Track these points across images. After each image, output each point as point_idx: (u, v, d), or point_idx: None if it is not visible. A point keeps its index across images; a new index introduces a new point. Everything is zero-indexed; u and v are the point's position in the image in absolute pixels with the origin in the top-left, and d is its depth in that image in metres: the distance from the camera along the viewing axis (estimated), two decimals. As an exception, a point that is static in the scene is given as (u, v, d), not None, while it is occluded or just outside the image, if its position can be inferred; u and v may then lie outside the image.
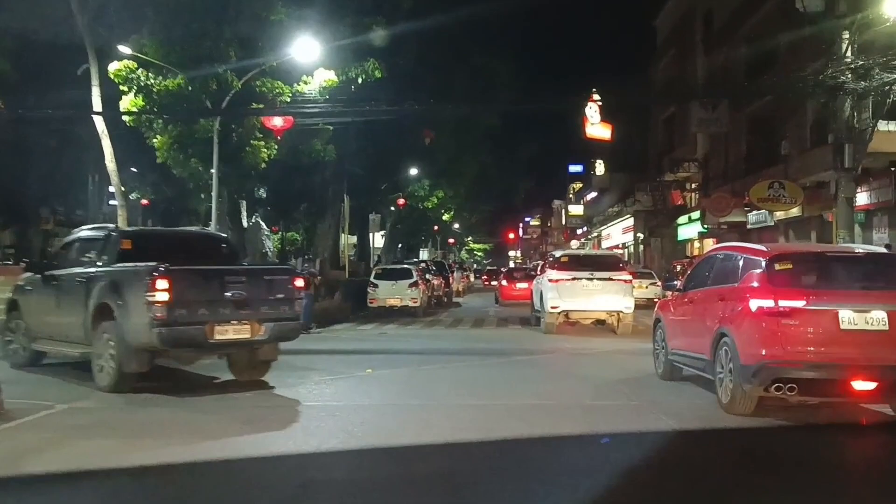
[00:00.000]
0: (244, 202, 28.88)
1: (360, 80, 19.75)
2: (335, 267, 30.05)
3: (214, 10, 18.21)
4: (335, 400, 8.66)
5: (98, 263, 9.29)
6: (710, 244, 31.45)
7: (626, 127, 43.81)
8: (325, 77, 19.33)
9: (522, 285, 27.26)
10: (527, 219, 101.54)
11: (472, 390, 9.30)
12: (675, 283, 14.87)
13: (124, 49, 18.08)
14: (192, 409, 7.98)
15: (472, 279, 52.38)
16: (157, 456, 6.07)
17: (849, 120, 16.05)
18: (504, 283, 30.79)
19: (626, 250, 46.25)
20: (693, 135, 32.67)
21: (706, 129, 29.85)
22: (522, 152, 49.58)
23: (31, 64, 22.81)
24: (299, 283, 9.38)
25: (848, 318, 7.16)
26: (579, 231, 63.97)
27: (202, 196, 21.95)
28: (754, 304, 7.46)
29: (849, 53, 15.60)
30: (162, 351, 8.52)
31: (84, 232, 10.58)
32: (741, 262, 8.19)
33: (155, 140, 19.03)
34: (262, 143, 19.43)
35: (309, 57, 18.57)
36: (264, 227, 35.90)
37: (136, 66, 18.04)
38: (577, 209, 64.07)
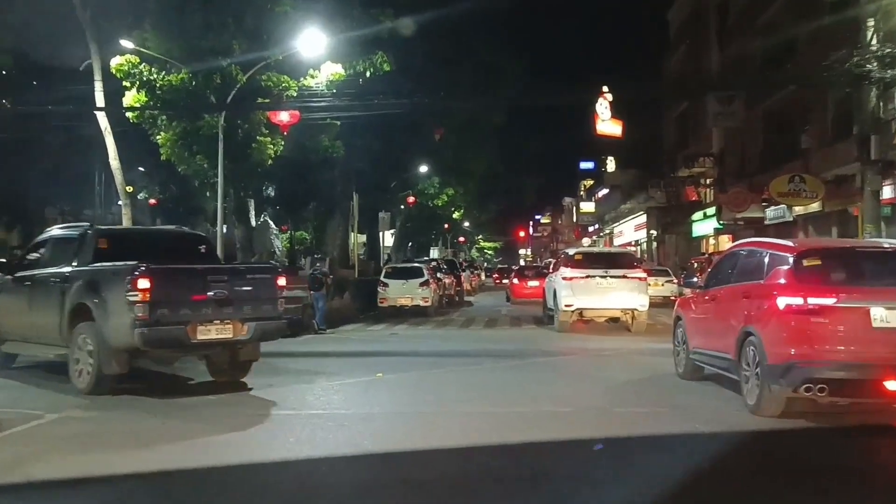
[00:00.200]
0: (252, 200, 28.57)
1: (368, 74, 19.31)
2: (344, 266, 29.66)
3: (218, 0, 17.79)
4: (343, 408, 8.22)
5: (74, 263, 9.09)
6: (725, 240, 31.05)
7: (637, 123, 43.29)
8: (332, 71, 18.92)
9: (533, 283, 27.27)
10: (537, 217, 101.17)
11: (486, 396, 8.84)
12: (695, 279, 14.46)
13: (126, 43, 17.70)
14: (187, 417, 7.58)
15: (482, 278, 52.02)
16: (160, 463, 5.81)
17: (874, 110, 15.56)
18: (515, 281, 30.72)
19: (638, 247, 45.75)
20: (708, 130, 32.18)
21: (722, 124, 29.33)
22: (532, 150, 49.29)
23: (32, 60, 22.48)
24: (282, 281, 9.26)
25: (880, 315, 6.86)
26: (591, 228, 63.52)
27: (207, 194, 21.60)
28: (782, 301, 7.17)
29: (874, 41, 15.08)
30: (142, 352, 8.40)
31: (57, 231, 10.36)
32: (767, 259, 7.89)
33: (159, 137, 18.66)
34: (269, 139, 19.07)
35: (315, 50, 18.15)
36: (273, 226, 35.63)
37: (138, 60, 17.67)
38: (588, 206, 63.64)
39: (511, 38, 40.46)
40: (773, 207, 25.16)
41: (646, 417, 7.65)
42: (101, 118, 18.67)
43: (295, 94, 18.93)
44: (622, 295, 16.24)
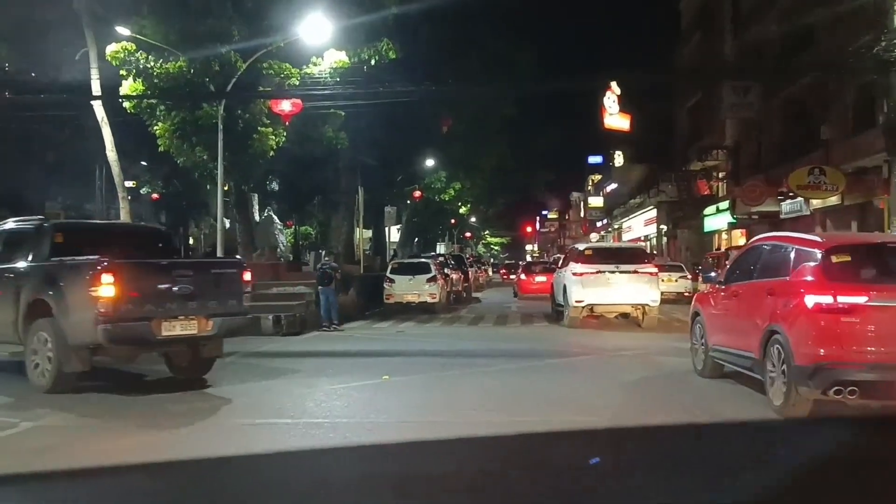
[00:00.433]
0: (256, 195, 27.94)
1: (372, 62, 18.59)
2: (349, 261, 29.05)
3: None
4: (346, 416, 7.57)
5: (29, 258, 8.78)
6: (738, 235, 30.33)
7: (646, 117, 42.55)
8: (335, 58, 18.24)
9: (541, 279, 27.03)
10: (544, 212, 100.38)
11: (504, 402, 8.18)
12: (714, 274, 13.81)
13: (122, 30, 17.04)
14: (169, 425, 7.01)
15: (490, 273, 51.45)
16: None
17: (902, 98, 14.85)
18: (523, 276, 30.27)
19: (648, 242, 45.02)
20: (721, 121, 31.36)
21: (737, 114, 28.49)
22: (540, 144, 48.57)
23: (28, 48, 21.84)
24: (247, 276, 9.10)
25: None
26: (599, 224, 62.76)
27: (208, 187, 20.96)
28: (810, 299, 6.88)
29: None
30: (104, 349, 8.10)
31: (10, 224, 9.91)
32: (793, 254, 7.55)
33: (156, 127, 18.01)
34: (270, 129, 18.39)
35: (319, 37, 17.43)
36: (277, 221, 35.06)
37: (134, 48, 17.01)
38: (596, 201, 62.86)
39: (519, 30, 39.73)
40: (789, 201, 24.41)
41: (686, 429, 6.99)
42: (98, 108, 18.03)
43: (297, 83, 18.24)
44: (633, 290, 15.95)
